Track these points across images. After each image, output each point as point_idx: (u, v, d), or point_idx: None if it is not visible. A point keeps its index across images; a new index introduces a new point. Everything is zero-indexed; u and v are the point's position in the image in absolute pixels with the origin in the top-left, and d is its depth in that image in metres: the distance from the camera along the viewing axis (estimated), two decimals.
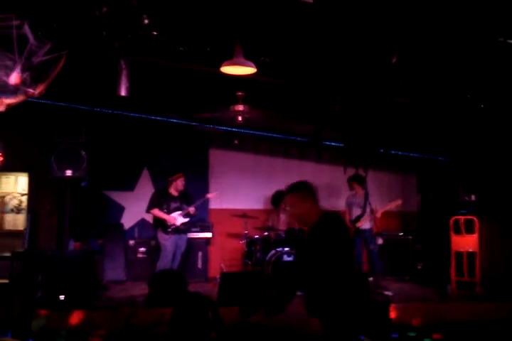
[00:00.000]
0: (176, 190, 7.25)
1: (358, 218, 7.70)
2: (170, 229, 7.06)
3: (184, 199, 7.31)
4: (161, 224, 7.11)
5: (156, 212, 7.10)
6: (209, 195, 7.86)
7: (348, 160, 7.23)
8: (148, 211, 7.21)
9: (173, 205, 7.19)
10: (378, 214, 7.53)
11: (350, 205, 8.00)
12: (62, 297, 5.90)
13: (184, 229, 7.25)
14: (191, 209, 7.23)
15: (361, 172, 7.91)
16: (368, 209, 7.59)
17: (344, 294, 3.02)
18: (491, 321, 5.81)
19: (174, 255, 7.13)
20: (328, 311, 3.04)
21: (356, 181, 7.84)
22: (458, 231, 7.03)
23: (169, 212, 7.11)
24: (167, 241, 7.08)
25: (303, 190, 3.36)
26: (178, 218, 7.11)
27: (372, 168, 8.63)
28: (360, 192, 7.81)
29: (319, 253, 3.07)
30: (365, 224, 7.66)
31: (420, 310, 6.09)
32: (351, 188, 8.02)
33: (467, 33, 4.59)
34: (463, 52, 4.94)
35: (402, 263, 8.45)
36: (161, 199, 7.19)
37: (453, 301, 6.59)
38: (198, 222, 8.22)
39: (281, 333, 4.30)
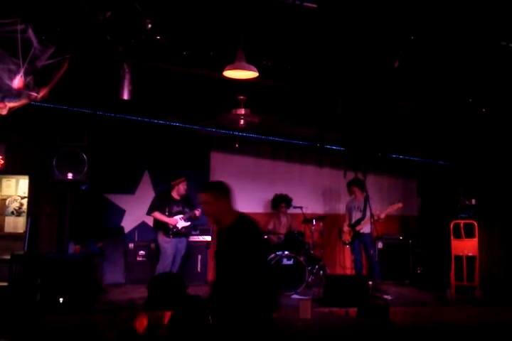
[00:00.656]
0: (178, 194, 7.26)
1: (358, 221, 7.72)
2: (171, 232, 7.06)
3: (186, 203, 7.32)
4: (162, 227, 7.11)
5: (157, 214, 7.10)
6: None
7: (347, 164, 7.26)
8: (149, 214, 7.21)
9: (175, 209, 7.20)
10: (382, 215, 7.54)
11: (350, 209, 8.02)
12: (61, 300, 5.91)
13: (185, 232, 7.26)
14: (197, 212, 7.23)
15: (360, 176, 7.94)
16: (368, 213, 7.60)
17: (249, 296, 3.04)
18: (490, 325, 5.82)
19: (174, 258, 7.13)
20: (230, 310, 3.07)
21: (356, 185, 7.86)
22: (458, 236, 7.05)
23: (171, 216, 7.12)
24: (167, 243, 7.08)
25: (218, 190, 3.35)
26: (179, 221, 7.12)
27: (372, 171, 8.68)
28: (360, 196, 7.82)
29: (231, 254, 3.12)
30: (365, 228, 7.67)
31: (420, 314, 6.11)
32: (351, 192, 8.04)
33: (469, 37, 4.61)
34: (465, 56, 4.97)
35: (401, 267, 8.46)
36: (162, 203, 7.20)
37: (452, 305, 6.60)
38: (198, 225, 8.23)
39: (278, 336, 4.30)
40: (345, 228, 7.88)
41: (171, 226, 7.05)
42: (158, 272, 6.91)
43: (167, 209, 7.14)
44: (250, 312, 3.02)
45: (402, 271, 8.44)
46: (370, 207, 7.52)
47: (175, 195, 7.26)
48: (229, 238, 3.20)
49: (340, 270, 9.20)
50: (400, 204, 7.66)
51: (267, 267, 3.22)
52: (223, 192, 3.34)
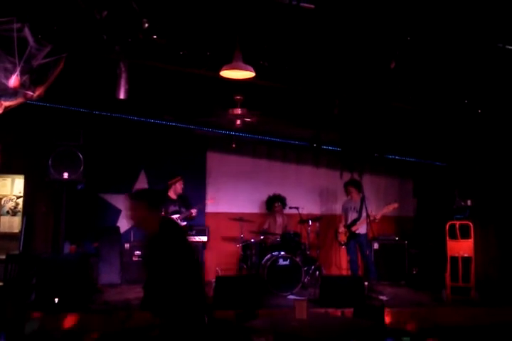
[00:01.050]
0: (175, 194, 7.26)
1: (354, 222, 7.72)
2: None
3: (182, 203, 7.32)
4: None
5: None
6: (207, 202, 7.88)
7: (344, 165, 7.26)
8: None
9: (172, 208, 7.21)
10: (378, 216, 7.54)
11: (346, 210, 8.01)
12: (56, 300, 5.88)
13: None
14: (193, 211, 7.23)
15: (356, 176, 7.94)
16: (364, 214, 7.60)
17: (179, 299, 3.09)
18: (485, 326, 5.83)
19: None
20: (163, 313, 3.13)
21: (352, 185, 7.86)
22: (453, 236, 7.06)
23: (167, 215, 7.11)
24: None
25: (145, 199, 3.31)
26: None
27: (368, 172, 8.69)
28: (356, 196, 7.82)
29: (159, 259, 3.18)
30: (360, 229, 7.66)
31: (415, 315, 6.11)
32: (347, 193, 8.03)
33: (466, 38, 4.63)
34: (461, 57, 4.98)
35: (397, 267, 8.47)
36: None
37: (448, 306, 6.61)
38: (194, 225, 8.22)
39: (276, 337, 4.30)
40: (341, 229, 7.88)
41: None
42: None
43: (163, 209, 7.13)
44: (182, 313, 3.08)
45: (397, 272, 8.45)
46: (366, 207, 7.52)
47: (171, 194, 7.26)
48: (155, 244, 3.25)
49: (336, 270, 9.20)
50: (396, 205, 7.67)
51: (195, 272, 3.26)
52: (149, 202, 3.31)
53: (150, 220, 3.27)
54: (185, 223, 7.24)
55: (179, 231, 3.35)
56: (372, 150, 6.87)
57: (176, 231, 3.35)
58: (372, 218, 7.43)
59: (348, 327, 3.82)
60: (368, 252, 7.71)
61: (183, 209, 7.26)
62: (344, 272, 9.03)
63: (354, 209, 7.78)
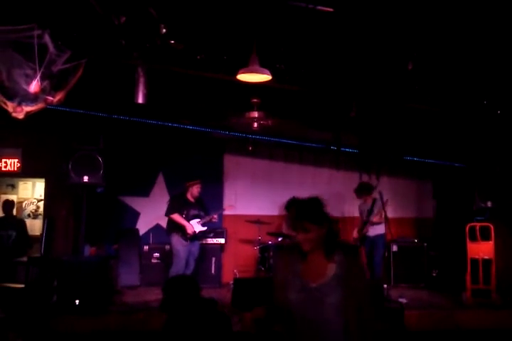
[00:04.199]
0: (192, 197, 7.31)
1: (364, 224, 7.69)
2: (189, 236, 7.11)
3: (200, 207, 7.37)
4: (179, 229, 7.16)
5: (177, 217, 7.16)
6: (225, 208, 7.91)
7: (361, 167, 7.23)
8: (168, 215, 7.25)
9: (192, 212, 7.25)
10: (374, 219, 7.55)
11: (360, 214, 7.99)
12: (77, 302, 5.96)
13: (201, 236, 7.31)
14: (215, 217, 7.31)
15: (373, 178, 7.89)
16: (377, 215, 7.58)
17: None
18: (506, 329, 5.75)
19: (187, 261, 7.17)
20: None
21: (362, 190, 7.85)
22: (474, 238, 6.98)
23: (188, 219, 7.17)
24: (183, 247, 7.12)
25: None
26: (196, 226, 7.17)
27: (387, 174, 8.63)
28: (369, 199, 7.78)
29: None
30: (371, 230, 7.62)
31: (435, 318, 6.06)
32: (358, 197, 8.00)
33: (483, 38, 4.58)
34: (479, 57, 4.94)
35: (417, 270, 8.39)
36: (180, 205, 7.25)
37: (468, 309, 6.53)
38: (212, 228, 8.27)
39: None
40: (355, 234, 7.86)
41: (189, 232, 7.09)
42: (172, 275, 6.94)
43: (185, 212, 7.19)
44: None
45: (417, 274, 8.37)
46: (373, 210, 7.50)
47: (189, 197, 7.30)
48: None
49: None
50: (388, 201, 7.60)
51: None
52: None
53: None
54: (205, 228, 7.30)
55: None
56: (390, 152, 6.82)
57: None
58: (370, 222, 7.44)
59: None
60: (375, 253, 7.62)
61: (201, 213, 7.30)
62: None
63: (367, 211, 7.75)
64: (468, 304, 6.70)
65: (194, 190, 7.28)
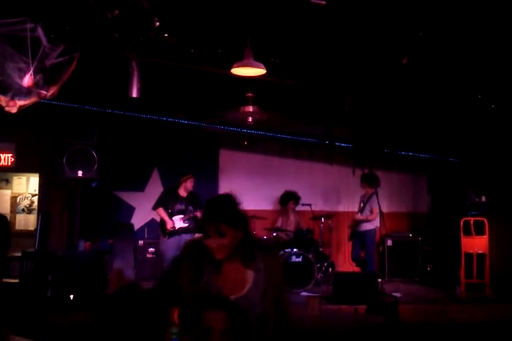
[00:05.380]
0: (186, 191, 7.26)
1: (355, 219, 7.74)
2: (168, 232, 7.04)
3: (192, 202, 7.25)
4: (162, 225, 7.12)
5: (161, 211, 7.08)
6: None
7: (355, 161, 7.23)
8: (154, 209, 7.23)
9: (178, 207, 7.13)
10: (357, 217, 7.58)
11: (359, 205, 7.99)
12: (72, 296, 5.96)
13: (183, 231, 7.16)
14: (198, 214, 7.17)
15: (367, 172, 7.89)
16: (366, 210, 7.60)
17: None
18: (500, 323, 5.79)
19: None
20: None
21: (364, 180, 7.84)
22: (468, 233, 7.01)
23: (172, 214, 7.09)
24: (165, 244, 7.04)
25: None
26: (177, 222, 7.07)
27: (382, 168, 8.64)
28: (369, 191, 7.78)
29: None
30: (361, 226, 7.64)
31: (429, 312, 6.09)
32: (363, 187, 7.99)
33: (478, 33, 4.58)
34: (473, 52, 4.93)
35: (411, 264, 8.44)
36: (168, 199, 7.18)
37: (462, 303, 6.57)
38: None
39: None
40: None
41: (168, 227, 7.02)
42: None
43: (170, 207, 7.12)
44: None
45: (411, 269, 8.42)
46: (368, 204, 7.53)
47: (181, 191, 7.23)
48: None
49: (349, 267, 9.18)
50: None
51: None
52: None
53: None
54: (187, 224, 7.10)
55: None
56: (384, 146, 6.83)
57: None
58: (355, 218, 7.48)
59: (360, 324, 3.82)
60: (369, 248, 7.61)
61: (190, 208, 7.18)
62: (357, 269, 9.01)
63: (362, 203, 7.77)
64: (462, 298, 6.73)
65: (188, 185, 7.22)
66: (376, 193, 7.53)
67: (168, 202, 7.15)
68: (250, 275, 2.12)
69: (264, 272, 2.14)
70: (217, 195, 2.36)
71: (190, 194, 7.28)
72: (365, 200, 7.67)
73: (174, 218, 7.08)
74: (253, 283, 2.11)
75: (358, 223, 7.67)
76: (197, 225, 6.85)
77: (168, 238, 7.04)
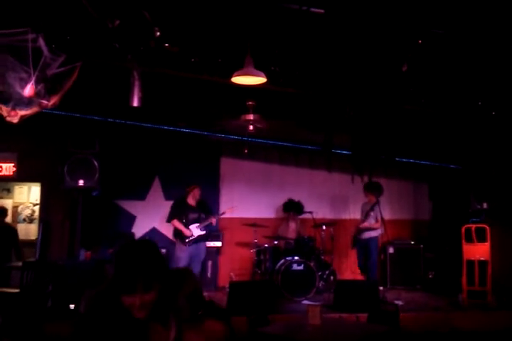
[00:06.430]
0: (194, 200, 7.35)
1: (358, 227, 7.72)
2: (188, 240, 7.13)
3: (202, 210, 7.40)
4: (179, 235, 7.21)
5: (176, 222, 7.22)
6: (226, 210, 7.84)
7: (354, 168, 7.24)
8: (168, 221, 7.33)
9: (192, 216, 7.28)
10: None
11: (361, 213, 7.98)
12: (72, 306, 5.93)
13: (201, 240, 7.32)
14: (214, 220, 7.33)
15: (366, 179, 7.89)
16: (371, 219, 7.59)
17: None
18: (502, 330, 5.75)
19: (190, 263, 7.18)
20: None
21: (368, 189, 7.83)
22: (469, 240, 6.99)
23: (187, 223, 7.19)
24: (183, 252, 7.14)
25: None
26: (195, 230, 7.20)
27: (383, 176, 8.64)
28: (372, 200, 7.78)
29: None
30: (364, 233, 7.63)
31: (431, 320, 6.06)
32: (366, 195, 7.98)
33: (478, 40, 4.60)
34: (474, 59, 4.96)
35: (413, 272, 8.41)
36: (180, 210, 7.29)
37: (464, 310, 6.54)
38: (209, 231, 8.26)
39: None
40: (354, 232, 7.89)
41: (187, 236, 7.11)
42: None
43: (184, 217, 7.21)
44: None
45: (413, 276, 8.39)
46: (372, 213, 7.53)
47: (190, 200, 7.34)
48: None
49: (350, 275, 9.16)
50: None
51: None
52: None
53: None
54: (204, 232, 7.30)
55: None
56: (383, 154, 6.84)
57: None
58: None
59: (361, 333, 3.80)
60: (373, 256, 7.61)
61: (202, 216, 7.33)
62: (358, 277, 8.98)
63: (364, 212, 7.76)
64: (464, 306, 6.70)
65: (196, 193, 7.35)
66: (378, 201, 7.54)
67: (181, 212, 7.25)
68: (171, 337, 1.74)
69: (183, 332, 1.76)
70: (136, 241, 2.04)
71: (199, 202, 7.39)
72: (369, 209, 7.66)
73: (191, 227, 7.19)
74: None
75: (361, 231, 7.66)
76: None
77: (188, 246, 7.15)
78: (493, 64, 5.02)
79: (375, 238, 7.61)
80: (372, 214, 7.61)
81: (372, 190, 7.75)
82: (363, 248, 7.68)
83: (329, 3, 4.14)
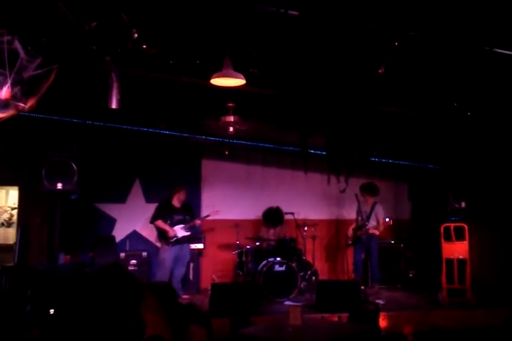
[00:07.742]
0: (179, 202, 7.36)
1: (361, 227, 7.72)
2: (171, 240, 7.12)
3: (187, 212, 7.42)
4: (163, 235, 7.22)
5: (160, 223, 7.22)
6: (211, 213, 7.80)
7: (330, 168, 7.29)
8: (152, 222, 7.33)
9: (176, 218, 7.31)
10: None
11: (357, 213, 7.95)
12: (52, 311, 5.86)
13: (185, 240, 7.33)
14: (198, 222, 7.36)
15: (343, 180, 7.93)
16: (372, 220, 7.65)
17: None
18: (481, 328, 5.84)
19: (175, 265, 7.20)
20: None
21: (365, 189, 7.87)
22: (448, 239, 7.09)
23: (172, 225, 7.19)
24: (166, 252, 7.15)
25: None
26: (179, 231, 7.22)
27: (363, 176, 8.71)
28: (370, 200, 7.83)
29: None
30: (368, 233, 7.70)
31: (412, 318, 6.13)
32: (362, 196, 8.00)
33: (454, 42, 4.67)
34: (449, 61, 5.03)
35: (393, 271, 8.49)
36: (165, 211, 7.30)
37: (444, 308, 6.63)
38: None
39: None
40: (350, 232, 7.91)
41: (170, 236, 7.10)
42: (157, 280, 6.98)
43: (168, 218, 7.22)
44: None
45: (394, 275, 8.46)
46: (375, 214, 7.60)
47: (175, 202, 7.36)
48: None
49: (333, 275, 9.20)
50: (391, 222, 7.68)
51: None
52: None
53: None
54: (189, 233, 7.34)
55: None
56: (356, 154, 6.91)
57: None
58: (367, 229, 7.52)
59: (342, 333, 3.83)
60: (374, 255, 7.70)
61: (187, 218, 7.36)
62: (341, 277, 9.03)
63: (364, 213, 7.78)
64: (444, 304, 6.79)
65: (181, 196, 7.38)
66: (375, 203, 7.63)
67: (165, 214, 7.25)
68: None
69: None
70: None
71: (184, 205, 7.41)
72: (370, 210, 7.71)
73: (175, 228, 7.21)
74: None
75: (362, 232, 7.67)
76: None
77: (172, 246, 7.15)
78: (468, 65, 5.10)
79: (376, 236, 7.70)
80: (373, 215, 7.68)
81: (370, 190, 7.82)
82: (364, 246, 7.72)
83: (305, 6, 4.17)
